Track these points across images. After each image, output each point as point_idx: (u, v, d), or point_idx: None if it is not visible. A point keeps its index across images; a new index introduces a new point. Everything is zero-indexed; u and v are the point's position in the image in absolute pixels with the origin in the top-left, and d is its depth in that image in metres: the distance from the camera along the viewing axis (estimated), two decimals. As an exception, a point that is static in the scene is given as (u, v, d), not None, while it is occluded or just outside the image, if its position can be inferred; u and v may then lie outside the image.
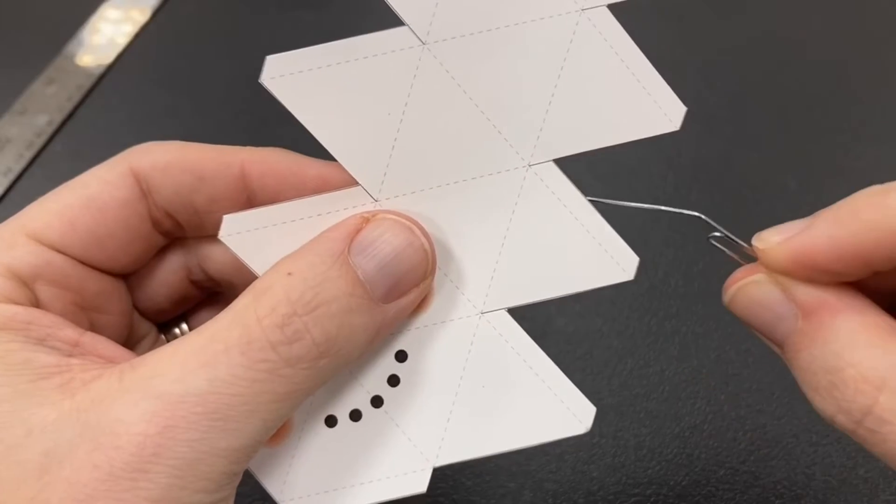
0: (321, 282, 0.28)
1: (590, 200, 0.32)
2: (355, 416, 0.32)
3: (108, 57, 0.71)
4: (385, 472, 0.32)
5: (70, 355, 0.29)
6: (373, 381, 0.32)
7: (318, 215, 0.31)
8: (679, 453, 0.47)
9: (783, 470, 0.46)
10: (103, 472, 0.25)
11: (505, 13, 0.30)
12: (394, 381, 0.32)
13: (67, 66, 0.70)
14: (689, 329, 0.52)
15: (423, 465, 0.32)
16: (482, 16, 0.30)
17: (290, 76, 0.29)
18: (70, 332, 0.30)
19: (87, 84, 0.69)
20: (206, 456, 0.26)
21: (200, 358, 0.26)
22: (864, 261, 0.26)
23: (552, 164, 0.32)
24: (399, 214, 0.31)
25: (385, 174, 0.31)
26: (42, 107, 0.67)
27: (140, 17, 0.74)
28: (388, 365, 0.32)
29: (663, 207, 0.32)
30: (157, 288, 0.36)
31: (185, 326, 0.38)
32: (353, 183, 0.31)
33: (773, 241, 0.27)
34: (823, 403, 0.26)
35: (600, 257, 0.32)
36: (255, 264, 0.31)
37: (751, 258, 0.29)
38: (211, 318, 0.28)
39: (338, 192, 0.31)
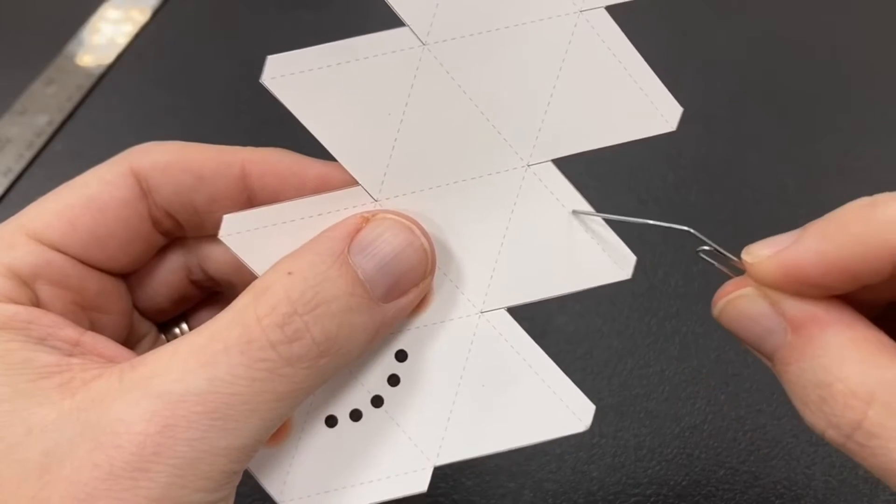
0: (321, 281, 0.28)
1: (577, 213, 0.32)
2: (355, 415, 0.32)
3: (108, 57, 0.71)
4: (385, 471, 0.32)
5: (70, 355, 0.29)
6: (373, 380, 0.32)
7: (319, 215, 0.31)
8: (679, 453, 0.47)
9: (783, 470, 0.46)
10: (104, 471, 0.25)
11: (504, 14, 0.30)
12: (394, 380, 0.32)
13: (67, 66, 0.70)
14: (689, 329, 0.52)
15: (424, 464, 0.32)
16: (482, 17, 0.30)
17: (290, 76, 0.29)
18: (70, 331, 0.30)
19: (87, 84, 0.69)
20: (206, 455, 0.26)
21: (200, 357, 0.27)
22: (853, 274, 0.26)
23: (551, 165, 0.32)
24: (399, 214, 0.31)
25: (385, 174, 0.31)
26: (42, 107, 0.67)
27: (140, 17, 0.74)
28: (388, 364, 0.32)
29: (651, 222, 0.32)
30: (157, 287, 0.36)
31: (185, 326, 0.38)
32: (354, 183, 0.31)
33: (762, 254, 0.27)
34: (813, 417, 0.26)
35: (598, 256, 0.32)
36: (255, 264, 0.31)
37: (740, 271, 0.29)
38: (211, 317, 0.28)
39: (338, 192, 0.31)
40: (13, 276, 0.30)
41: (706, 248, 0.31)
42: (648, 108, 0.31)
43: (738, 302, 0.29)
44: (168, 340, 0.38)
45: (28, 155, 0.64)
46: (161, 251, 0.36)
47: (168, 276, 0.36)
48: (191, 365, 0.26)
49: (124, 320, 0.35)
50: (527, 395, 0.32)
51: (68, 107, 0.67)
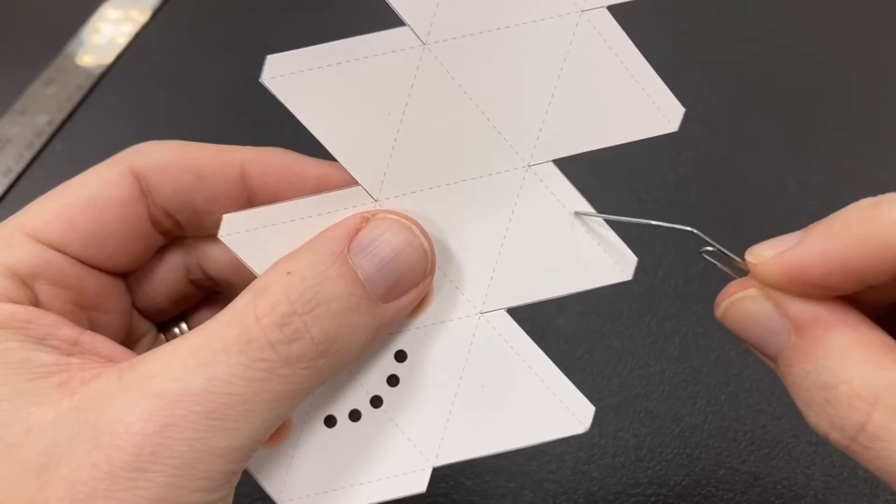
0: (320, 281, 0.28)
1: (580, 215, 0.32)
2: (354, 415, 0.32)
3: (108, 57, 0.71)
4: (384, 472, 0.32)
5: (69, 354, 0.29)
6: (372, 380, 0.32)
7: (318, 215, 0.31)
8: (679, 453, 0.47)
9: (783, 470, 0.46)
10: (102, 470, 0.25)
11: (505, 14, 0.30)
12: (393, 380, 0.32)
13: (67, 66, 0.70)
14: (689, 329, 0.52)
15: (423, 464, 0.32)
16: (483, 16, 0.30)
17: (290, 76, 0.29)
18: (69, 331, 0.30)
19: (87, 84, 0.69)
20: (204, 455, 0.26)
21: (199, 357, 0.26)
22: (857, 275, 0.26)
23: (551, 165, 0.32)
24: (399, 214, 0.31)
25: (385, 174, 0.31)
26: (42, 107, 0.67)
27: (140, 17, 0.74)
28: (387, 365, 0.32)
29: (655, 222, 0.32)
30: (156, 287, 0.36)
31: (184, 326, 0.38)
32: (353, 183, 0.31)
33: (766, 255, 0.27)
34: (817, 419, 0.26)
35: (599, 257, 0.32)
36: (255, 264, 0.31)
37: (743, 272, 0.29)
38: (210, 317, 0.28)
39: (338, 192, 0.31)
40: (12, 276, 0.30)
41: (709, 248, 0.31)
42: (650, 109, 0.31)
43: (741, 303, 0.29)
44: (167, 340, 0.38)
45: (28, 155, 0.64)
46: (160, 251, 0.36)
47: (167, 275, 0.36)
48: (190, 365, 0.26)
49: (123, 320, 0.35)
50: (526, 396, 0.32)
51: (68, 107, 0.67)
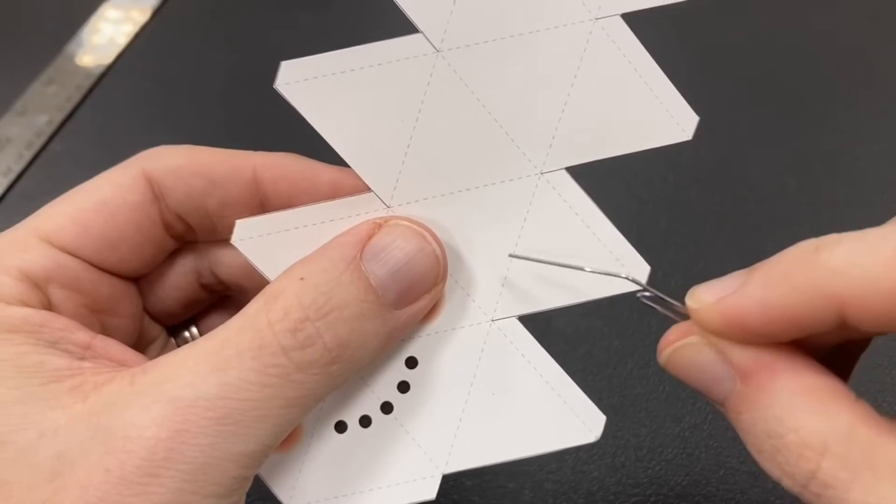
0: (333, 287, 0.28)
1: (514, 257, 0.32)
2: (365, 421, 0.32)
3: (108, 57, 0.71)
4: (394, 478, 0.32)
5: (82, 358, 0.29)
6: (383, 387, 0.32)
7: (331, 221, 0.31)
8: (679, 453, 0.47)
9: (783, 470, 0.46)
10: (114, 475, 0.25)
11: (519, 21, 0.30)
12: (404, 387, 0.32)
13: (67, 66, 0.70)
14: (690, 329, 0.52)
15: (433, 471, 0.32)
16: (496, 24, 0.30)
17: (304, 82, 0.29)
18: (82, 334, 0.30)
19: (87, 84, 0.69)
20: (216, 461, 0.26)
21: (212, 362, 0.27)
22: (797, 325, 0.25)
23: (564, 173, 0.32)
24: (411, 221, 0.31)
25: (398, 180, 0.31)
26: (42, 107, 0.67)
27: (140, 17, 0.74)
28: (398, 371, 0.32)
29: (588, 269, 0.31)
30: (167, 291, 0.36)
31: (195, 330, 0.38)
32: (366, 189, 0.31)
33: (706, 300, 0.27)
34: (768, 466, 0.26)
35: (611, 266, 0.32)
36: (268, 269, 0.31)
37: (685, 315, 0.28)
38: (221, 321, 0.28)
39: (350, 198, 0.31)
40: (25, 279, 0.30)
41: (647, 294, 0.31)
42: (664, 117, 0.31)
43: (683, 350, 0.28)
44: (178, 344, 0.38)
45: (28, 155, 0.64)
46: (172, 255, 0.36)
47: (179, 279, 0.36)
48: (202, 370, 0.26)
49: (135, 324, 0.35)
50: (537, 404, 0.32)
51: (68, 107, 0.67)
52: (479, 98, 0.30)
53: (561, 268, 0.32)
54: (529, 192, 0.32)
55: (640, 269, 0.33)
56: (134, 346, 0.34)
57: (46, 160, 0.64)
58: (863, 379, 0.48)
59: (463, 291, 0.32)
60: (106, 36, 0.73)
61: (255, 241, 0.31)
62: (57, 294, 0.31)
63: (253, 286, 0.31)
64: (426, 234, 0.30)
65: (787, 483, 0.25)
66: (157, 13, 0.75)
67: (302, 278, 0.28)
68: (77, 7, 0.75)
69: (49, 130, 0.66)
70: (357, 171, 0.31)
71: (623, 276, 0.31)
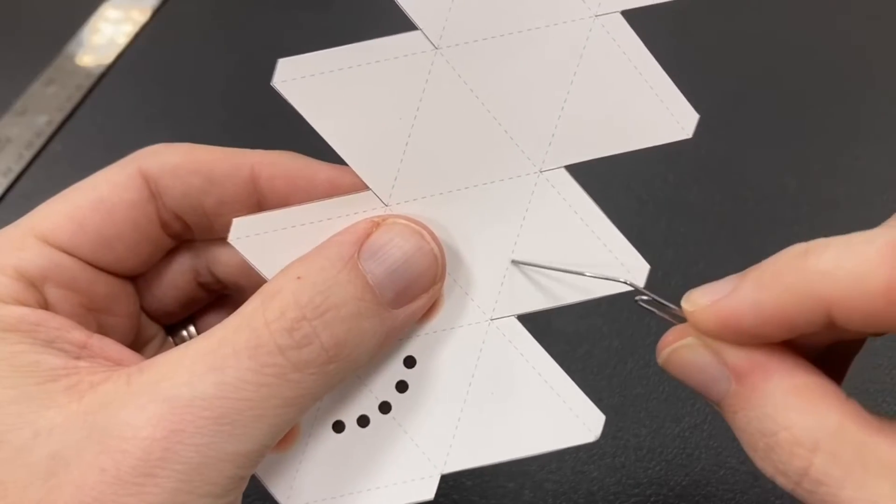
0: (330, 286, 0.28)
1: (516, 264, 0.32)
2: (363, 421, 0.32)
3: (108, 57, 0.71)
4: (392, 478, 0.32)
5: (78, 357, 0.29)
6: (381, 386, 0.32)
7: (328, 219, 0.31)
8: (679, 453, 0.47)
9: (784, 470, 0.46)
10: (110, 475, 0.25)
11: (518, 19, 0.30)
12: (402, 387, 0.32)
13: (67, 66, 0.70)
14: (690, 329, 0.52)
15: (431, 471, 0.32)
16: (495, 21, 0.30)
17: (301, 79, 0.29)
18: (78, 334, 0.30)
19: (87, 84, 0.69)
20: (213, 460, 0.26)
21: (208, 362, 0.27)
22: (789, 326, 0.26)
23: (563, 171, 0.31)
24: (409, 219, 0.31)
25: (396, 179, 0.31)
26: (42, 107, 0.67)
27: (140, 17, 0.74)
28: (396, 371, 0.32)
29: (588, 273, 0.31)
30: (165, 290, 0.36)
31: (192, 329, 0.38)
32: (364, 187, 0.31)
33: (701, 303, 0.27)
34: (762, 463, 0.26)
35: (611, 264, 0.32)
36: (265, 268, 0.31)
37: (682, 318, 0.29)
38: (219, 320, 0.28)
39: (348, 197, 0.31)
40: (21, 278, 0.30)
41: (644, 297, 0.31)
42: (664, 115, 0.31)
43: (681, 352, 0.29)
44: (175, 343, 0.38)
45: (28, 155, 0.64)
46: (169, 254, 0.36)
47: (176, 278, 0.36)
48: (199, 369, 0.26)
49: (132, 323, 0.35)
50: (536, 404, 0.32)
51: (68, 107, 0.67)
52: (478, 96, 0.30)
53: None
54: (528, 191, 0.31)
55: (640, 269, 0.32)
56: (131, 345, 0.34)
57: (46, 160, 0.64)
58: (863, 379, 0.48)
59: (461, 290, 0.32)
60: (106, 36, 0.73)
61: (252, 240, 0.30)
62: (53, 293, 0.31)
63: (251, 285, 0.31)
64: (424, 232, 0.30)
65: (781, 481, 0.26)
66: (157, 13, 0.75)
67: (299, 277, 0.28)
68: (77, 7, 0.75)
69: (49, 130, 0.66)
70: (355, 170, 0.31)
71: (621, 280, 0.32)
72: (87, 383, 0.27)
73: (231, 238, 0.30)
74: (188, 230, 0.34)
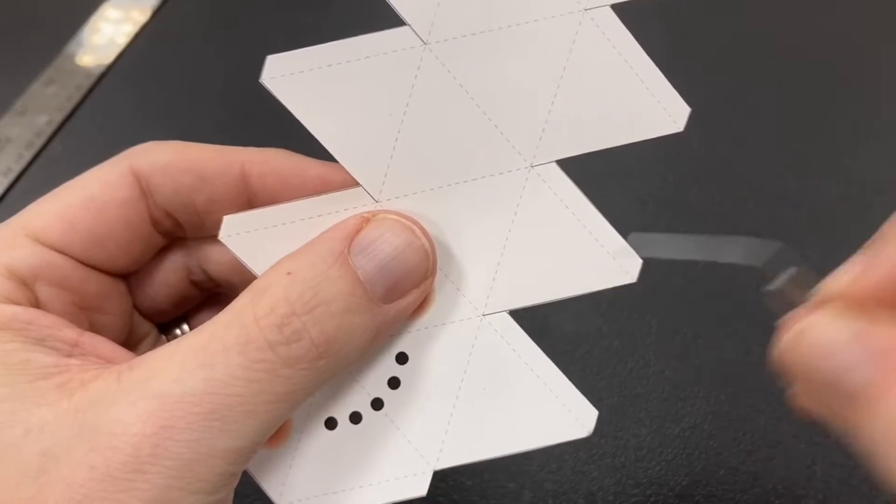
0: (320, 282, 0.28)
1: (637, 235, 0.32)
2: (355, 418, 0.32)
3: (108, 57, 0.71)
4: (385, 475, 0.32)
5: (69, 356, 0.29)
6: (373, 383, 0.32)
7: (319, 216, 0.31)
8: (679, 453, 0.47)
9: (783, 470, 0.46)
10: (100, 472, 0.25)
11: (507, 13, 0.30)
12: (394, 383, 0.32)
13: (67, 66, 0.70)
14: (689, 329, 0.52)
15: (424, 468, 0.32)
16: (484, 16, 0.30)
17: (290, 76, 0.29)
18: (69, 332, 0.30)
19: (87, 84, 0.69)
20: (203, 457, 0.26)
21: (198, 358, 0.26)
22: None
23: (555, 166, 0.31)
24: (400, 215, 0.30)
25: (386, 175, 0.31)
26: (42, 107, 0.67)
27: (140, 17, 0.74)
28: (388, 367, 0.32)
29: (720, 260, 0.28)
30: (157, 288, 0.36)
31: (185, 327, 0.38)
32: (354, 183, 0.31)
33: (844, 279, 0.23)
34: None
35: (603, 259, 0.32)
36: (255, 265, 0.31)
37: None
38: (211, 318, 0.28)
39: (338, 193, 0.31)
40: (13, 277, 0.30)
41: (772, 289, 0.25)
42: (655, 109, 0.31)
43: (813, 330, 0.23)
44: (168, 341, 0.37)
45: (28, 155, 0.64)
46: (161, 252, 0.35)
47: (168, 276, 0.36)
48: (189, 366, 0.26)
49: (124, 321, 0.35)
50: (529, 399, 0.32)
51: (68, 107, 0.67)
52: (468, 91, 0.30)
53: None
54: (520, 186, 0.31)
55: (632, 264, 0.32)
56: (124, 343, 0.34)
57: (46, 160, 0.65)
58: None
59: (453, 286, 0.32)
60: (106, 36, 0.73)
61: (243, 237, 0.30)
62: (44, 291, 0.31)
63: (243, 282, 0.30)
64: (415, 228, 0.30)
65: None
66: (157, 13, 0.75)
67: (289, 273, 0.28)
68: (77, 7, 0.75)
69: (49, 130, 0.66)
70: (345, 166, 0.31)
71: (778, 243, 0.26)
72: (79, 381, 0.27)
73: (222, 235, 0.30)
74: (179, 228, 0.34)
